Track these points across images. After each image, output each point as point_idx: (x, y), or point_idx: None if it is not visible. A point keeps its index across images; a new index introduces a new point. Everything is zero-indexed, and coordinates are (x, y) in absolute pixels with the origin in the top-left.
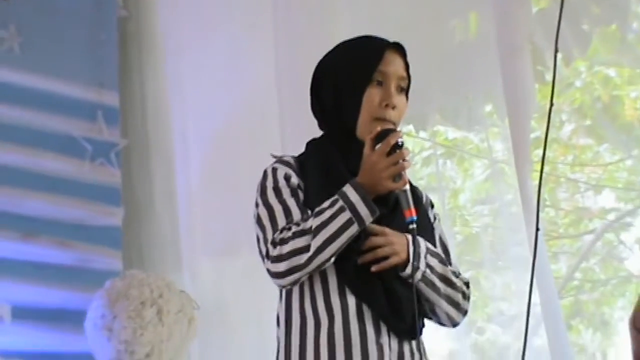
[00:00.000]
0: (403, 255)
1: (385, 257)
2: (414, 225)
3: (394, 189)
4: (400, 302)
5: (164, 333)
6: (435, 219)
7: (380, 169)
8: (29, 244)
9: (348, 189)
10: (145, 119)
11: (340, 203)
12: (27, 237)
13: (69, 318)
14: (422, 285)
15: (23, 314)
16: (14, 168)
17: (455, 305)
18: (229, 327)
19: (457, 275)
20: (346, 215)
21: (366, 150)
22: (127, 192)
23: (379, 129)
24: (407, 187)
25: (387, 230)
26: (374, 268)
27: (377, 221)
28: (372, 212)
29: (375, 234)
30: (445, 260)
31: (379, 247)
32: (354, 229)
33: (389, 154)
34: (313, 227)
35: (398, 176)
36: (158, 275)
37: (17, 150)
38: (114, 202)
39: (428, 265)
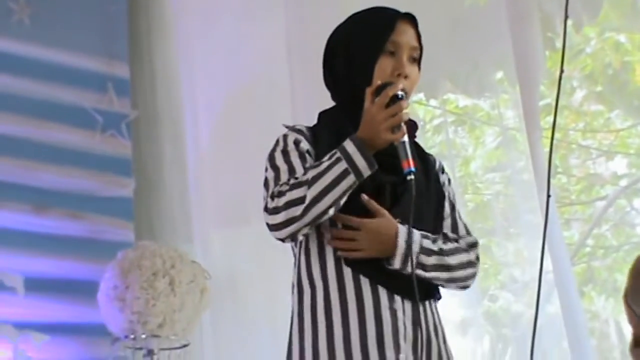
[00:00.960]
0: (371, 253)
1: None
2: (412, 177)
3: (393, 140)
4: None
5: (176, 303)
6: (448, 182)
7: (379, 120)
8: (40, 216)
9: (346, 142)
10: (154, 90)
11: (337, 154)
12: (38, 209)
13: (82, 289)
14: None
15: (36, 285)
16: (25, 140)
17: (462, 279)
18: (240, 297)
19: (463, 246)
20: (342, 165)
21: (366, 104)
22: (137, 164)
23: (378, 82)
24: (406, 138)
25: (366, 223)
26: (340, 253)
27: (392, 190)
28: (369, 163)
29: (355, 228)
30: (443, 244)
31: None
32: (350, 179)
33: (387, 105)
34: (309, 178)
35: (397, 127)
36: (170, 246)
37: (27, 122)
38: (125, 173)
39: (421, 265)
